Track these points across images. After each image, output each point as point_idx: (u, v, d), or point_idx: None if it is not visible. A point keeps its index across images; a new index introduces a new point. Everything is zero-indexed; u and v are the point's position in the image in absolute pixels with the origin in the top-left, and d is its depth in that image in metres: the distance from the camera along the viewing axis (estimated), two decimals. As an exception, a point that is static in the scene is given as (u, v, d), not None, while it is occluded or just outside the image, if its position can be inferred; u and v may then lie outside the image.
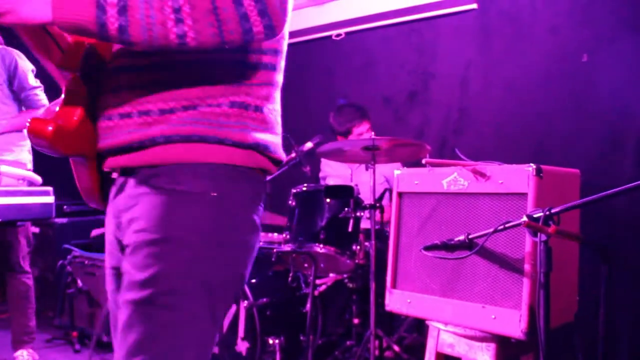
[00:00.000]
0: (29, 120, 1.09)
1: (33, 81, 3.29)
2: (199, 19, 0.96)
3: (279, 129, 1.20)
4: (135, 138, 1.08)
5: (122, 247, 1.15)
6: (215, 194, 1.07)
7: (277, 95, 1.19)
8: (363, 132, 3.50)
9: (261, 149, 1.12)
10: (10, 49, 3.28)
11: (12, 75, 3.23)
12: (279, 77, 1.20)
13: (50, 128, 1.07)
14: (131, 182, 1.12)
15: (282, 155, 1.19)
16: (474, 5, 3.72)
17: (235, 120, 1.09)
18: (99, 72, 1.13)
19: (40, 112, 1.30)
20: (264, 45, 1.13)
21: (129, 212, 1.11)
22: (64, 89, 1.12)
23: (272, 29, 1.01)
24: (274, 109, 1.18)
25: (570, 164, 3.22)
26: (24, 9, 0.94)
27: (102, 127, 1.12)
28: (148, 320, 1.05)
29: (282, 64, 1.20)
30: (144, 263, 1.06)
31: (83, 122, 1.12)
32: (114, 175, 1.18)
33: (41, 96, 3.32)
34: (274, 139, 1.16)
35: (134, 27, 0.95)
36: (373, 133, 2.81)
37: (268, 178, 1.21)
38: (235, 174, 1.10)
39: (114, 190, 1.18)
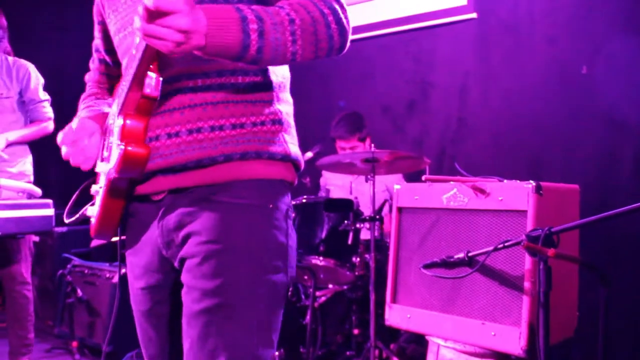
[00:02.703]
0: (126, 147, 1.13)
1: (42, 94, 3.36)
2: (306, 39, 1.15)
3: (296, 140, 1.35)
4: (191, 157, 1.17)
5: (172, 265, 1.25)
6: (271, 206, 1.21)
7: (292, 111, 1.36)
8: (346, 148, 3.51)
9: (297, 160, 1.29)
10: (23, 61, 3.34)
11: (25, 87, 3.29)
12: (290, 97, 1.36)
13: (144, 152, 1.16)
14: (183, 200, 1.20)
15: (302, 165, 1.34)
16: (474, 15, 3.72)
17: (278, 137, 1.24)
18: None
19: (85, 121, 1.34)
20: (285, 69, 1.33)
21: (185, 229, 1.19)
22: (132, 111, 1.19)
23: (344, 45, 1.23)
24: (293, 124, 1.34)
25: (568, 174, 3.24)
26: (194, 38, 1.03)
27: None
28: (226, 323, 1.15)
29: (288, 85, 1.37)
30: (214, 272, 1.15)
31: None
32: (158, 197, 1.23)
33: (47, 109, 3.38)
34: (298, 150, 1.33)
35: (267, 48, 1.11)
36: (373, 146, 2.81)
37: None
38: (282, 187, 1.25)
39: (158, 211, 1.23)
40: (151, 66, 1.14)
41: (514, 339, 1.93)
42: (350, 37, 1.26)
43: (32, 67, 3.34)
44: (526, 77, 3.50)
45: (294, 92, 1.38)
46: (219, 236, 1.17)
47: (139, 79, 1.16)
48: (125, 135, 1.16)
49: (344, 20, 1.21)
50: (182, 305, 1.21)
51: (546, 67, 3.43)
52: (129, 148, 1.14)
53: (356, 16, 4.27)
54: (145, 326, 1.33)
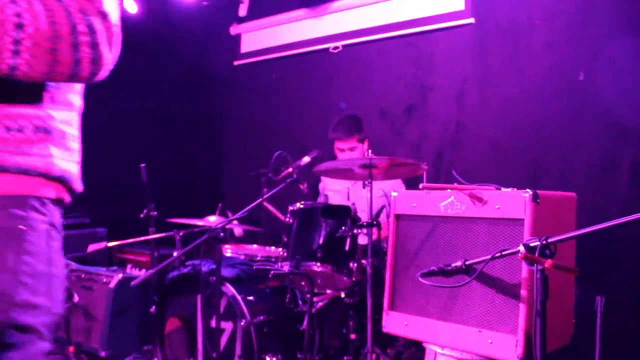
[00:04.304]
0: None
1: None
2: (37, 56, 0.92)
3: (78, 156, 1.14)
4: None
5: None
6: (24, 228, 0.99)
7: (77, 119, 1.14)
8: (344, 150, 3.49)
9: (65, 179, 1.07)
10: None
11: None
12: (78, 100, 1.15)
13: None
14: None
15: (79, 186, 1.13)
16: (472, 20, 3.73)
17: (39, 148, 1.02)
18: None
19: None
20: None
21: None
22: None
23: (95, 76, 1.02)
24: (74, 134, 1.12)
25: (566, 180, 3.25)
26: None
27: None
28: None
29: (79, 86, 1.16)
30: None
31: None
32: None
33: None
34: (74, 168, 1.11)
35: None
36: (371, 152, 2.81)
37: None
38: (40, 206, 1.03)
39: None
40: None
41: (510, 347, 1.93)
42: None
43: None
44: (525, 82, 3.51)
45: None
46: None
47: None
48: None
49: (104, 46, 1.00)
50: None
51: (545, 72, 3.43)
52: None
53: (355, 20, 4.28)
54: None
